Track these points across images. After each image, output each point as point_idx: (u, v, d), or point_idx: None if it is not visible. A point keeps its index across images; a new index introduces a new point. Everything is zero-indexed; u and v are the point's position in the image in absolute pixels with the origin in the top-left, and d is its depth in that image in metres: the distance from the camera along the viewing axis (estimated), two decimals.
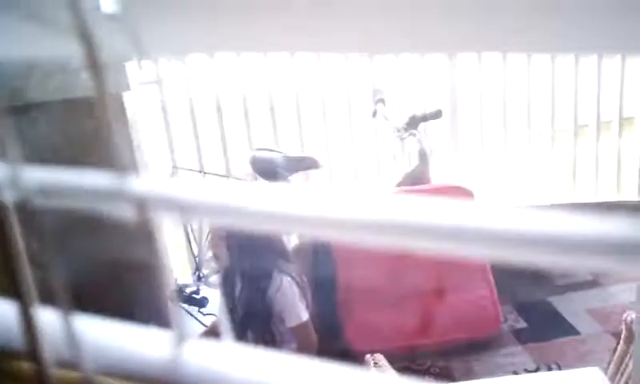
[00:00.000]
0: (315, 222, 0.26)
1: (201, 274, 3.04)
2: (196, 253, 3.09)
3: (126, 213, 0.24)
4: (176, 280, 3.12)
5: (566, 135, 3.52)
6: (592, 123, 3.48)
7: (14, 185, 0.21)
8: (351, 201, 0.26)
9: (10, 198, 0.22)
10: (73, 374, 0.25)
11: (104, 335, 0.27)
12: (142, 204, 0.24)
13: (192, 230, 3.13)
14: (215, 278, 3.00)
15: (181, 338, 0.27)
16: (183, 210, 0.26)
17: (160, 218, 0.25)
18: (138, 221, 0.24)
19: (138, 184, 0.24)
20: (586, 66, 3.39)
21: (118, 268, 2.39)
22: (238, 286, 2.20)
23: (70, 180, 0.25)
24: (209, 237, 2.86)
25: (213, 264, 3.00)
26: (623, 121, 3.49)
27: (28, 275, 0.23)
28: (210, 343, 0.28)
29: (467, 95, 3.36)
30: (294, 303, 2.20)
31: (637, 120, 3.49)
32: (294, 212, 0.25)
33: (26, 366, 0.45)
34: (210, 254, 3.01)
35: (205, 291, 2.85)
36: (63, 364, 0.25)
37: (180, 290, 2.87)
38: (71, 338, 0.24)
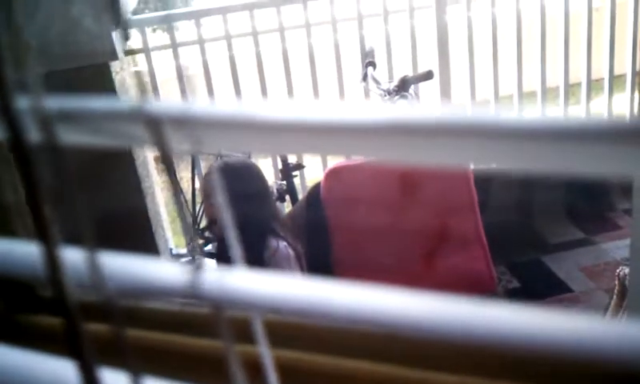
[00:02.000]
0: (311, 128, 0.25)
1: (195, 244, 3.04)
2: (190, 222, 3.09)
3: (142, 135, 0.24)
4: (171, 250, 3.12)
5: (557, 93, 3.51)
6: (583, 82, 3.48)
7: (37, 114, 0.21)
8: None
9: (31, 133, 0.22)
10: (101, 327, 0.25)
11: (123, 267, 0.27)
12: (157, 124, 0.23)
13: (185, 200, 3.13)
14: (210, 247, 3.01)
15: (199, 265, 0.27)
16: (197, 127, 0.25)
17: (174, 137, 0.25)
18: (154, 142, 0.24)
19: (154, 106, 0.24)
20: (577, 22, 3.38)
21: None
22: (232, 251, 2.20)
23: (89, 105, 0.25)
24: (203, 204, 2.86)
25: (207, 232, 3.00)
26: (614, 79, 3.49)
27: (52, 215, 0.23)
28: (228, 269, 0.28)
29: (457, 54, 3.35)
30: (289, 268, 2.20)
31: (627, 78, 3.49)
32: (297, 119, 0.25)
33: (52, 320, 0.46)
34: (204, 221, 3.01)
35: (200, 260, 2.85)
36: (87, 304, 0.25)
37: (174, 259, 2.87)
38: (95, 271, 0.24)
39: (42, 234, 0.22)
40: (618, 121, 0.23)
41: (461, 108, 0.26)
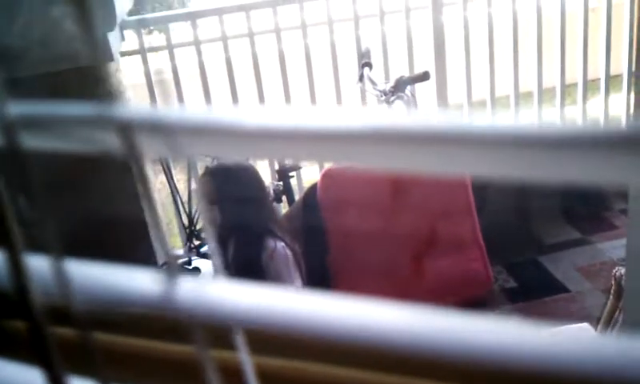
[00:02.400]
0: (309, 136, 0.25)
1: (192, 245, 3.03)
2: (186, 224, 3.08)
3: (111, 141, 0.24)
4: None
5: (553, 94, 3.51)
6: (579, 82, 3.47)
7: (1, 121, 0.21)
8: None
9: None
10: (68, 331, 0.25)
11: (94, 276, 0.26)
12: (127, 129, 0.23)
13: (182, 202, 3.12)
14: (207, 248, 3.00)
15: (172, 275, 0.26)
16: (170, 133, 0.25)
17: (146, 144, 0.24)
18: (124, 148, 0.23)
19: (124, 111, 0.23)
20: (573, 22, 3.37)
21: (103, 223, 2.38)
22: (231, 253, 2.19)
23: (56, 110, 0.24)
24: (200, 205, 2.85)
25: (204, 234, 3.00)
26: (610, 79, 3.49)
27: (16, 221, 0.23)
28: (203, 280, 0.27)
29: (454, 55, 3.34)
30: (287, 269, 2.20)
31: (624, 78, 3.48)
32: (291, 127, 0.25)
33: (19, 324, 0.45)
34: (201, 222, 3.00)
35: (197, 262, 2.84)
36: (55, 311, 0.25)
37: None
38: (62, 281, 0.23)
39: (5, 240, 0.22)
40: (613, 128, 0.23)
41: (456, 115, 0.25)
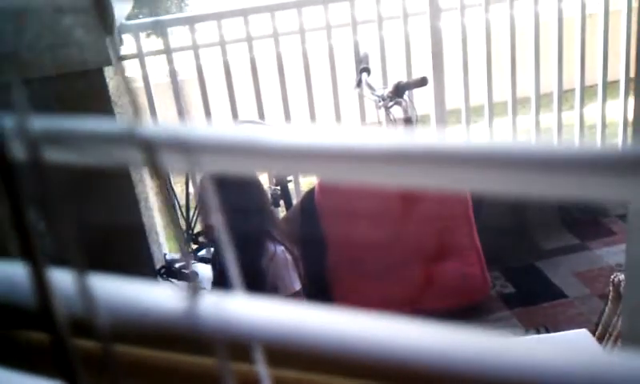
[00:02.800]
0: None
1: (190, 249, 3.03)
2: (184, 227, 3.08)
3: (134, 158, 0.23)
4: (165, 255, 3.11)
5: (550, 99, 3.52)
6: (576, 88, 3.48)
7: (23, 135, 0.20)
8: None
9: (17, 152, 0.21)
10: (89, 344, 0.25)
11: (116, 291, 0.26)
12: (150, 147, 0.23)
13: (179, 206, 3.11)
14: (204, 252, 3.00)
15: (195, 291, 0.26)
16: (192, 151, 0.25)
17: (168, 161, 0.24)
18: (147, 165, 0.23)
19: (147, 128, 0.23)
20: (571, 28, 3.38)
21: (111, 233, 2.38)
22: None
23: (80, 126, 0.24)
24: (199, 209, 2.85)
25: (202, 237, 2.99)
26: (607, 85, 3.50)
27: (39, 235, 0.22)
28: (226, 295, 0.27)
29: (452, 60, 3.35)
30: (287, 273, 2.20)
31: (621, 84, 3.49)
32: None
33: (40, 335, 0.45)
34: (199, 226, 2.99)
35: (194, 266, 2.84)
36: (78, 326, 0.24)
37: (169, 264, 2.86)
38: (86, 296, 0.23)
39: (29, 254, 0.22)
40: (611, 150, 0.23)
41: (455, 135, 0.26)
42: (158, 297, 0.26)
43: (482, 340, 0.26)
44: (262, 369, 0.28)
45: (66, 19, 2.40)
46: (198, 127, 0.25)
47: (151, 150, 0.23)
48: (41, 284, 0.22)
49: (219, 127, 0.26)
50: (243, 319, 0.26)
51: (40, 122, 0.22)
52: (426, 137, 0.26)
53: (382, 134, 0.27)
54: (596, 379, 0.24)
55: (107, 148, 0.24)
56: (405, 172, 0.26)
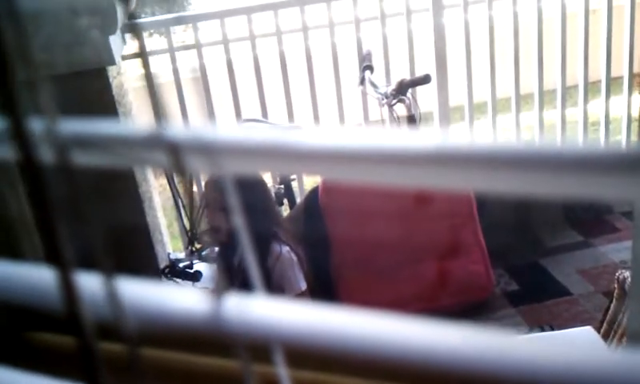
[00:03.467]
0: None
1: (194, 248, 3.03)
2: (188, 227, 3.08)
3: (161, 161, 0.24)
4: (169, 255, 3.11)
5: (554, 96, 3.51)
6: (580, 84, 3.48)
7: (52, 139, 0.20)
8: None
9: (44, 155, 0.21)
10: (116, 347, 0.25)
11: (142, 294, 0.26)
12: (176, 150, 0.23)
13: (183, 205, 3.11)
14: (209, 252, 3.00)
15: (220, 292, 0.26)
16: (217, 153, 0.25)
17: (194, 163, 0.24)
18: (173, 168, 0.23)
19: (172, 130, 0.23)
20: (574, 24, 3.38)
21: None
22: (236, 257, 2.19)
23: (107, 130, 0.24)
24: (204, 209, 2.84)
25: (207, 237, 2.99)
26: (611, 81, 3.49)
27: (66, 237, 0.22)
28: (250, 297, 0.27)
29: (455, 57, 3.35)
30: (293, 273, 2.20)
31: (625, 80, 3.49)
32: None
33: (66, 339, 0.45)
34: (205, 226, 2.99)
35: (198, 265, 2.84)
36: (105, 330, 0.24)
37: (173, 264, 2.86)
38: (113, 300, 0.23)
39: (56, 258, 0.22)
40: (616, 149, 0.23)
41: (459, 135, 0.26)
42: (183, 300, 0.26)
43: (486, 338, 0.26)
44: (282, 370, 0.28)
45: (70, 18, 2.41)
46: (220, 130, 0.25)
47: (177, 152, 0.23)
48: (68, 288, 0.22)
49: (241, 130, 0.26)
50: (267, 321, 0.27)
51: (67, 126, 0.22)
52: (430, 137, 0.26)
53: (401, 135, 0.27)
54: (601, 377, 0.24)
55: (133, 151, 0.25)
56: (411, 173, 0.26)
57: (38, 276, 0.26)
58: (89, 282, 0.24)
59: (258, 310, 0.26)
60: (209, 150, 0.25)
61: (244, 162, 0.27)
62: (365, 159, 0.26)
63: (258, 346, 0.28)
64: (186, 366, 0.38)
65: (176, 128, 0.24)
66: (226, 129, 0.26)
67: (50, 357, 0.37)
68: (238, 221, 0.30)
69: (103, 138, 0.24)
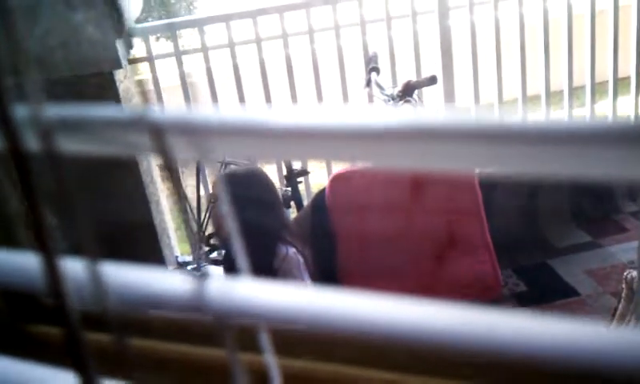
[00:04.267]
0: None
1: (201, 251, 3.03)
2: (195, 229, 3.09)
3: (145, 144, 0.24)
4: (177, 258, 3.12)
5: (561, 97, 3.50)
6: (587, 85, 3.46)
7: (36, 123, 0.21)
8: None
9: (30, 142, 0.22)
10: (103, 337, 0.25)
11: (126, 278, 0.27)
12: (159, 131, 0.23)
13: (191, 208, 3.13)
14: (216, 254, 3.01)
15: (203, 275, 0.27)
16: (200, 135, 0.25)
17: (177, 145, 0.25)
18: (157, 150, 0.24)
19: (155, 113, 0.24)
20: (581, 25, 3.37)
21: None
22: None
23: (90, 113, 0.25)
24: (210, 211, 2.85)
25: (214, 239, 3.00)
26: (618, 82, 3.48)
27: (52, 225, 0.23)
28: (233, 279, 0.28)
29: (461, 59, 3.34)
30: (299, 274, 2.20)
31: (632, 80, 3.47)
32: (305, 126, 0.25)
33: (52, 330, 0.45)
34: (211, 228, 3.00)
35: (206, 268, 2.85)
36: (91, 318, 0.25)
37: (180, 267, 2.87)
38: (97, 283, 0.23)
39: (41, 244, 0.22)
40: (624, 123, 0.23)
41: (466, 112, 0.26)
42: (167, 282, 0.27)
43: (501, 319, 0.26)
44: (270, 357, 0.28)
45: (77, 21, 2.42)
46: (204, 111, 0.26)
47: (159, 134, 0.24)
48: (52, 272, 0.22)
49: (225, 111, 0.26)
50: (250, 301, 0.27)
51: (51, 110, 0.22)
52: (432, 114, 0.26)
53: (386, 112, 0.27)
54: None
55: (116, 133, 0.25)
56: (409, 151, 0.26)
57: (24, 262, 0.26)
58: (74, 267, 0.25)
59: (241, 289, 0.27)
60: (192, 131, 0.25)
61: (228, 144, 0.27)
62: (348, 136, 0.26)
63: (248, 336, 0.28)
64: (176, 356, 0.38)
65: (158, 110, 0.24)
66: (209, 111, 0.26)
67: (45, 348, 0.38)
68: (231, 220, 0.30)
69: (87, 120, 0.25)
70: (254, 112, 0.27)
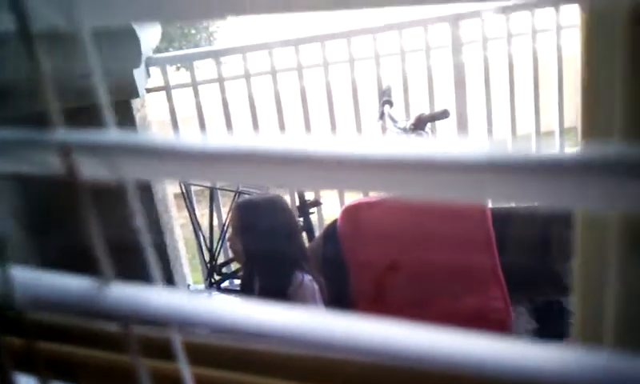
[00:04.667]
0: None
1: (213, 280, 3.05)
2: (207, 258, 3.11)
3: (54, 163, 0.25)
4: (189, 286, 3.14)
5: (575, 133, 3.49)
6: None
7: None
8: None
9: None
10: (16, 341, 0.27)
11: (32, 280, 0.28)
12: (66, 150, 0.25)
13: (204, 237, 3.15)
14: (228, 283, 3.02)
15: (106, 279, 0.28)
16: (108, 154, 0.27)
17: (86, 165, 0.26)
18: (65, 169, 0.25)
19: (61, 133, 0.25)
20: None
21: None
22: (257, 285, 2.21)
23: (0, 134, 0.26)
24: (224, 239, 2.87)
25: (226, 268, 3.02)
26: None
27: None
28: (137, 286, 0.29)
29: (474, 93, 3.36)
30: (314, 302, 2.21)
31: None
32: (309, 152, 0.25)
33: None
34: (228, 254, 3.02)
35: (217, 297, 2.86)
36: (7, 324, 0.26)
37: None
38: (6, 284, 0.25)
39: None
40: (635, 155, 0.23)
41: (479, 144, 0.26)
42: (71, 285, 0.28)
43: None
44: (184, 366, 0.30)
45: (95, 50, 2.48)
46: (117, 132, 0.27)
47: (68, 153, 0.25)
48: None
49: (143, 134, 0.28)
50: (151, 304, 0.28)
51: None
52: (440, 145, 0.26)
53: (389, 142, 0.27)
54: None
55: (27, 154, 0.27)
56: (418, 182, 0.25)
57: None
58: None
59: (144, 294, 0.28)
60: (102, 152, 0.27)
61: (141, 166, 0.28)
62: (263, 160, 0.28)
63: (162, 346, 0.30)
64: (92, 361, 0.40)
65: (69, 130, 0.26)
66: (125, 132, 0.28)
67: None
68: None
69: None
70: (170, 135, 0.29)
